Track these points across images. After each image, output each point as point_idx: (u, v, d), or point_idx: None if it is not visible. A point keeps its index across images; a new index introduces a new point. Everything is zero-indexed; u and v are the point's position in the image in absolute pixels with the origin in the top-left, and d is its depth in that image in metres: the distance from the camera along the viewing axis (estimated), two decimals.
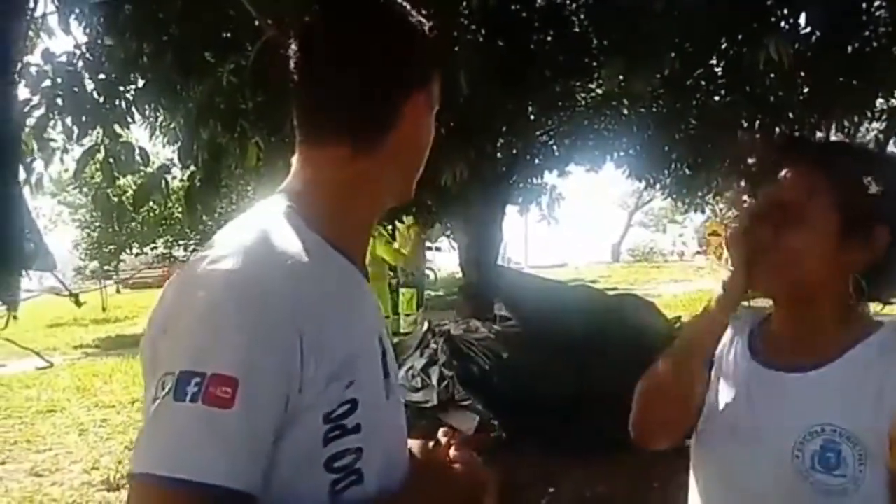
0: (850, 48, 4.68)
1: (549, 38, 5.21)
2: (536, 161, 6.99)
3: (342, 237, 0.94)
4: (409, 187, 1.03)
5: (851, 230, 1.01)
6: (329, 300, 0.88)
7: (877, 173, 1.03)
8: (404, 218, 7.44)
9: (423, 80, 0.97)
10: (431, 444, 1.05)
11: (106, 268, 23.02)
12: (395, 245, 9.57)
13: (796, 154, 1.07)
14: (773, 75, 5.03)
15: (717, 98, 5.89)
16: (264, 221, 0.90)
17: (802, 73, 5.03)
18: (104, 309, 18.02)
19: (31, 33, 3.44)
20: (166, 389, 0.75)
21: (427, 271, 17.08)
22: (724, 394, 1.13)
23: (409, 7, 0.98)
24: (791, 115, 5.68)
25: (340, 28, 0.95)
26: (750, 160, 1.12)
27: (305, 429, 0.82)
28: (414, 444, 1.05)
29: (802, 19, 4.61)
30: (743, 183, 1.11)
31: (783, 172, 1.04)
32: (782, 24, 4.58)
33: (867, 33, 4.66)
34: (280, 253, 0.85)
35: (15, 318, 2.05)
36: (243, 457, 0.76)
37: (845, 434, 0.97)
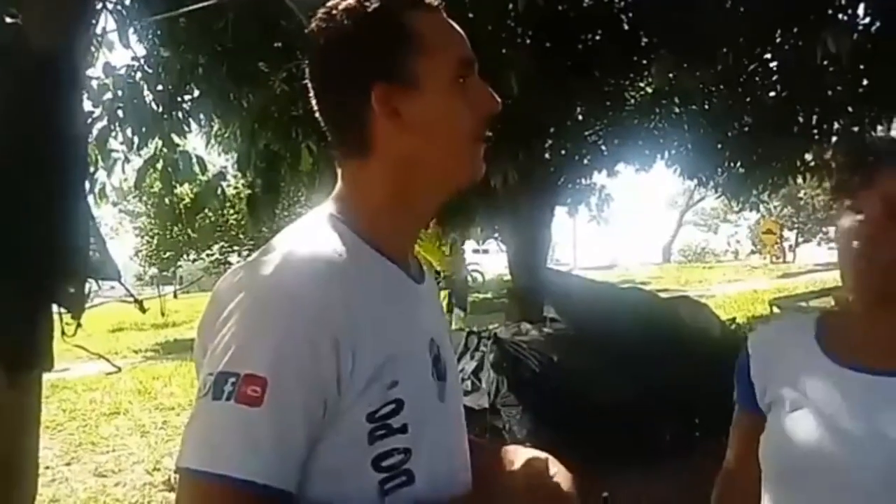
0: None
1: (597, 38, 5.17)
2: (585, 161, 6.91)
3: (384, 240, 0.95)
4: (455, 171, 0.98)
5: None
6: (368, 302, 0.88)
7: None
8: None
9: (374, 74, 0.92)
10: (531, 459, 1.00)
11: (164, 273, 23.68)
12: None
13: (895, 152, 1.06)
14: (830, 69, 4.88)
15: (771, 94, 5.75)
16: (308, 227, 0.93)
17: (862, 67, 4.88)
18: (163, 314, 18.50)
19: (92, 48, 3.56)
20: (206, 389, 0.80)
21: (475, 273, 17.09)
22: (804, 403, 1.10)
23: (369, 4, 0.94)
24: (850, 110, 5.50)
25: (308, 59, 0.98)
26: (843, 163, 1.12)
27: (349, 428, 0.84)
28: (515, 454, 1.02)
29: (861, 10, 4.48)
30: (841, 181, 1.10)
31: (889, 170, 1.04)
32: (840, 15, 4.46)
33: None
34: (316, 257, 0.87)
35: (80, 325, 2.12)
36: (273, 453, 0.79)
37: None
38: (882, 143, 1.14)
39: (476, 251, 17.62)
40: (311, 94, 0.99)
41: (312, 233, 0.91)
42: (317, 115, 0.99)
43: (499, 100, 0.98)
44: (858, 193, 1.05)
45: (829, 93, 5.32)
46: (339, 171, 1.00)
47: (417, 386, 0.91)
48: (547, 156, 6.39)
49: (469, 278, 13.70)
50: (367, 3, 0.93)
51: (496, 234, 9.46)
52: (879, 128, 5.46)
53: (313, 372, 0.81)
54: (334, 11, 0.94)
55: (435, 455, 0.91)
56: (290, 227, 0.96)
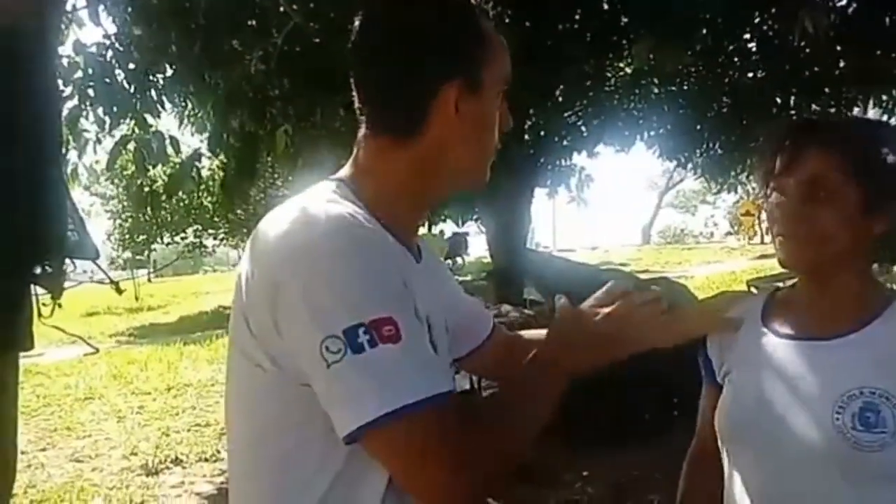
0: (887, 19, 4.53)
1: (576, 17, 5.13)
2: (565, 142, 6.89)
3: (393, 219, 0.98)
4: (474, 174, 1.04)
5: (874, 203, 1.07)
6: (400, 261, 0.96)
7: (893, 146, 1.09)
8: None
9: (453, 69, 0.96)
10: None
11: (138, 257, 23.40)
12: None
13: (815, 134, 1.12)
14: (807, 50, 4.90)
15: (749, 75, 5.77)
16: (324, 195, 0.95)
17: (838, 48, 4.90)
18: (137, 298, 18.32)
19: (62, 25, 3.47)
20: (337, 352, 0.82)
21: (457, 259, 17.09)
22: (748, 372, 1.18)
23: None
24: (827, 90, 5.54)
25: (372, 24, 0.99)
26: (769, 143, 1.18)
27: None
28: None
29: None
30: (766, 165, 1.17)
31: (807, 152, 1.10)
32: None
33: None
34: (354, 213, 0.91)
35: (59, 305, 2.08)
36: (435, 369, 0.89)
37: (884, 395, 1.03)
38: (799, 126, 1.19)
39: (456, 233, 17.61)
40: (361, 54, 0.99)
41: (334, 197, 0.94)
42: (352, 75, 1.00)
43: (511, 120, 1.05)
44: (780, 177, 1.12)
45: (807, 74, 5.34)
46: (356, 148, 1.02)
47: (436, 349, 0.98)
48: (526, 137, 6.36)
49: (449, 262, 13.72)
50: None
51: (476, 216, 9.42)
52: (856, 109, 5.51)
53: (408, 295, 0.90)
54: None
55: None
56: (303, 196, 0.97)
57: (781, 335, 1.17)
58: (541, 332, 1.23)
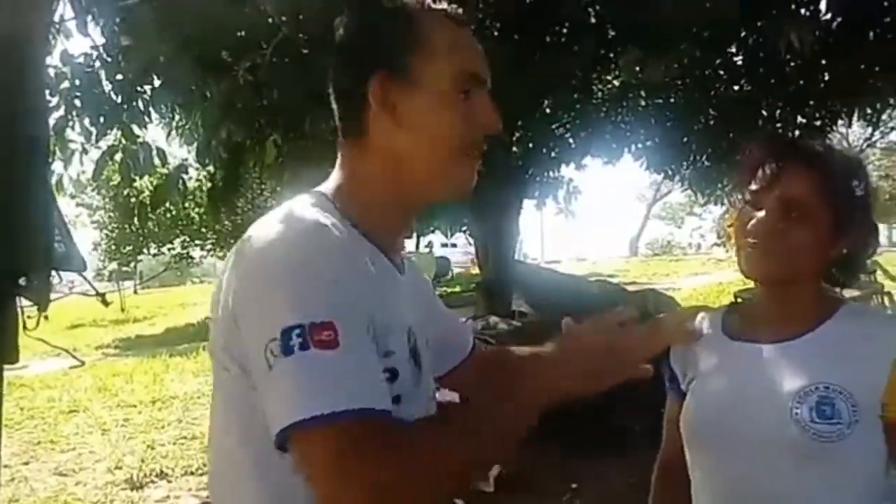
0: (871, 34, 4.59)
1: (563, 30, 5.16)
2: (552, 154, 6.92)
3: (372, 229, 0.98)
4: (438, 176, 0.99)
5: (840, 227, 1.16)
6: (367, 270, 0.91)
7: (861, 178, 1.19)
8: None
9: (375, 59, 0.96)
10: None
11: (124, 269, 23.21)
12: None
13: (797, 155, 1.18)
14: (792, 64, 4.95)
15: (736, 88, 5.82)
16: (302, 204, 0.95)
17: (823, 61, 4.95)
18: (123, 310, 18.17)
19: (49, 36, 3.44)
20: (274, 353, 0.80)
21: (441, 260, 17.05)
22: (709, 377, 1.25)
23: None
24: (812, 103, 5.59)
25: (340, 29, 1.02)
26: (750, 156, 1.24)
27: None
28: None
29: (823, 5, 4.54)
30: (744, 177, 1.22)
31: (789, 171, 1.16)
32: (802, 10, 4.51)
33: (889, 19, 4.57)
34: (320, 219, 0.90)
35: (46, 318, 2.06)
36: (368, 382, 0.82)
37: (837, 389, 1.10)
38: (782, 146, 1.25)
39: (444, 245, 17.61)
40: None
41: (309, 207, 0.94)
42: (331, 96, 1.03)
43: (499, 123, 1.01)
44: (759, 192, 1.18)
45: (792, 87, 5.39)
46: (339, 155, 1.03)
47: (405, 364, 0.94)
48: (514, 149, 6.38)
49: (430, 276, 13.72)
50: (388, 2, 0.99)
51: (464, 228, 9.44)
52: (840, 122, 5.56)
53: (361, 307, 0.85)
54: (364, 4, 1.01)
55: None
56: (282, 206, 0.97)
57: (740, 340, 1.24)
58: (521, 350, 1.25)
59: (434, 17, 0.98)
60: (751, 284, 1.25)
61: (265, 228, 0.90)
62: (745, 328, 1.26)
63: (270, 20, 3.74)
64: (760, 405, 1.15)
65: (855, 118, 5.59)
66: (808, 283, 1.20)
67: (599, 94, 6.54)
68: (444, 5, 1.00)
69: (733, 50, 5.38)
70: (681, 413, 1.27)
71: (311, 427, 0.78)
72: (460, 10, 1.01)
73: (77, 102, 4.08)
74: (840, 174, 1.17)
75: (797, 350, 1.17)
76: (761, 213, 1.16)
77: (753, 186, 1.18)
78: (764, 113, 5.84)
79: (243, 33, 4.23)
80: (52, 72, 3.97)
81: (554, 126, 6.61)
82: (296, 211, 0.93)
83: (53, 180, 4.11)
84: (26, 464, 5.55)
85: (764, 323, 1.23)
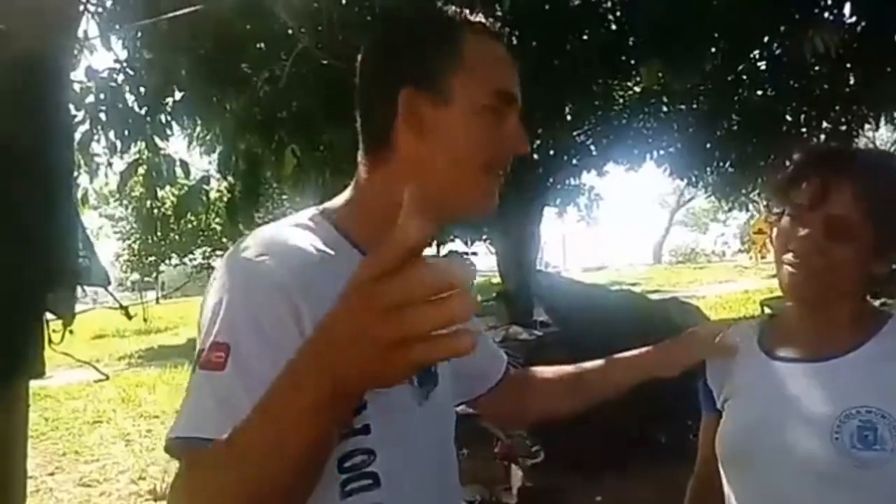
0: None
1: (584, 38, 5.14)
2: (574, 161, 6.89)
3: (372, 242, 0.93)
4: (458, 195, 0.96)
5: (883, 245, 1.12)
6: (332, 287, 0.78)
7: None
8: None
9: (408, 75, 0.93)
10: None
11: (147, 279, 23.46)
12: None
13: (843, 169, 1.14)
14: (817, 68, 4.88)
15: (759, 93, 5.75)
16: (289, 222, 0.95)
17: (848, 66, 4.88)
18: (145, 320, 18.33)
19: (74, 52, 3.49)
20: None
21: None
22: (746, 396, 1.22)
23: (440, 10, 0.98)
24: (837, 108, 5.51)
25: (367, 47, 1.00)
26: (789, 171, 1.20)
27: None
28: None
29: (847, 9, 4.47)
30: (787, 187, 1.18)
31: (836, 188, 1.12)
32: (826, 14, 4.45)
33: None
34: (277, 237, 0.89)
35: (71, 332, 2.09)
36: (242, 414, 0.71)
37: (880, 413, 1.06)
38: (828, 158, 1.20)
39: (465, 253, 17.61)
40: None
41: (286, 222, 0.95)
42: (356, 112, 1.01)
43: (527, 145, 0.98)
44: (803, 208, 1.14)
45: (817, 92, 5.32)
46: (359, 167, 1.01)
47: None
48: (535, 156, 6.36)
49: None
50: (424, 13, 0.98)
51: (485, 236, 9.41)
52: (867, 126, 5.48)
53: (275, 336, 0.79)
54: (398, 14, 1.02)
55: (408, 460, 0.90)
56: (265, 226, 0.97)
57: (779, 358, 1.21)
58: (556, 370, 1.27)
59: (469, 29, 0.95)
60: (778, 292, 1.22)
61: (233, 247, 0.92)
62: (782, 344, 1.23)
63: (290, 31, 3.76)
64: (799, 428, 1.12)
65: (882, 122, 5.50)
66: (850, 300, 1.18)
67: (621, 100, 6.50)
68: (481, 17, 0.97)
69: (756, 55, 5.32)
70: (717, 430, 1.24)
71: (175, 446, 0.78)
72: (497, 24, 0.98)
73: (102, 116, 4.12)
74: (886, 190, 1.13)
75: (838, 370, 1.14)
76: (805, 231, 1.13)
77: (798, 201, 1.14)
78: (788, 118, 5.77)
79: (263, 45, 4.26)
80: (77, 87, 4.02)
81: (575, 133, 6.59)
82: (283, 227, 0.93)
83: (79, 194, 4.16)
84: (51, 475, 5.60)
85: (803, 340, 1.20)
